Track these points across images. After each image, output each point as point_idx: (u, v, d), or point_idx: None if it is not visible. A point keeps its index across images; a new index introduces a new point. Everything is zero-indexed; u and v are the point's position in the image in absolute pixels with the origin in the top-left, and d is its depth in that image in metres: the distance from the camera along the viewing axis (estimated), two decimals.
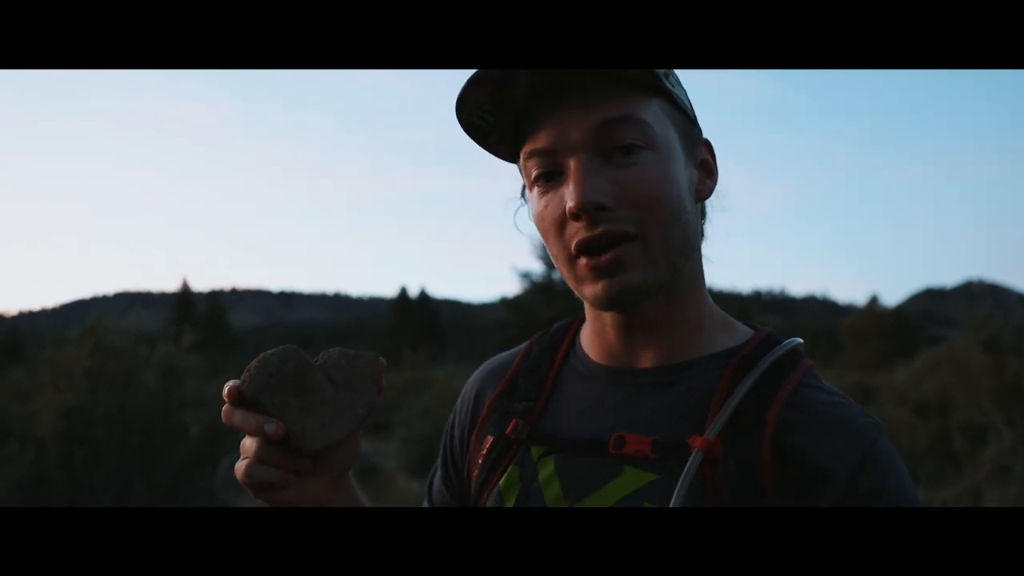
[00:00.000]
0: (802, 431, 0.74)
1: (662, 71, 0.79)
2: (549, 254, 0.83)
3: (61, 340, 7.79)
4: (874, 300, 27.62)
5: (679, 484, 0.73)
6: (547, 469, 0.84)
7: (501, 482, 0.86)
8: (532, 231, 0.90)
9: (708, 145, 0.86)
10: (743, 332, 0.86)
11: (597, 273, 0.77)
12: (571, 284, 0.82)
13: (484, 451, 0.90)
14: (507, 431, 0.88)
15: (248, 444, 0.73)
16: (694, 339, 0.84)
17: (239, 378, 0.73)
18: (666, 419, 0.80)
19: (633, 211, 0.76)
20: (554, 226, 0.79)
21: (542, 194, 0.80)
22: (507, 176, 0.90)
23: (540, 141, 0.78)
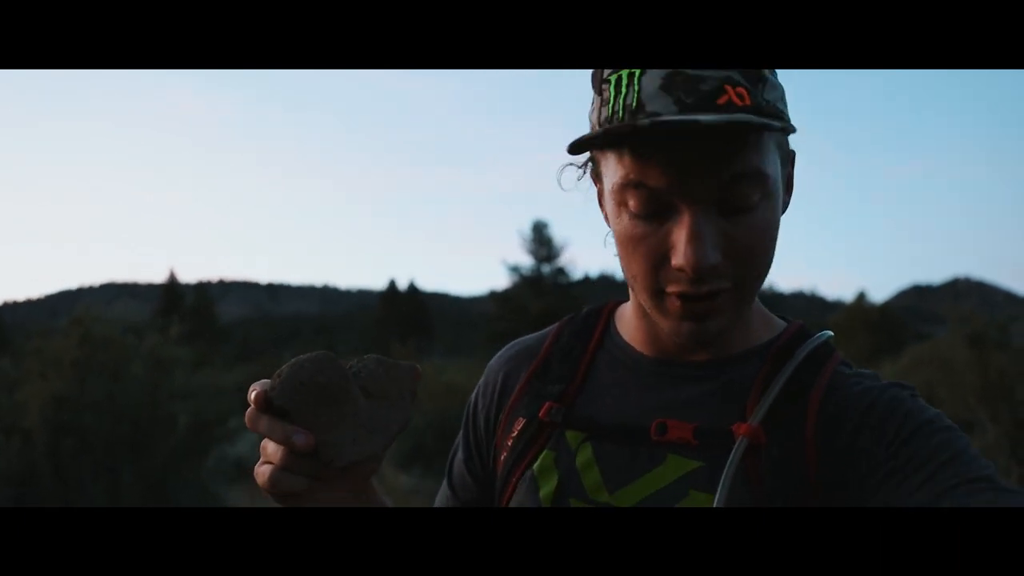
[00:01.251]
0: (843, 413, 0.75)
1: (771, 79, 0.73)
2: (622, 266, 0.79)
3: (49, 330, 7.74)
4: (862, 296, 27.74)
5: (726, 470, 0.74)
6: (585, 454, 0.83)
7: (535, 466, 0.84)
8: (578, 187, 0.85)
9: (793, 158, 0.81)
10: (778, 324, 0.87)
11: (686, 316, 0.75)
12: (646, 307, 0.79)
13: (515, 434, 0.88)
14: (540, 414, 0.86)
15: (272, 450, 0.70)
16: (741, 336, 0.84)
17: (268, 380, 0.69)
18: (707, 407, 0.80)
19: (735, 267, 0.73)
20: (647, 260, 0.74)
21: (638, 222, 0.74)
22: (497, 172, 0.89)
23: (654, 179, 0.70)
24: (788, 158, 0.79)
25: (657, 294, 0.75)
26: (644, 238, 0.74)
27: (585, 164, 0.84)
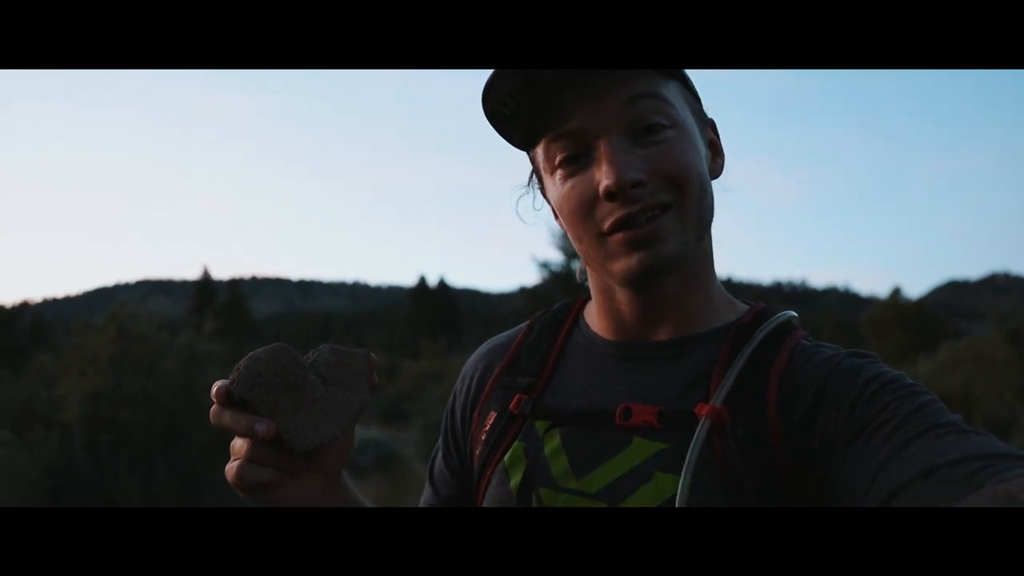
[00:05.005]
0: (802, 385, 0.76)
1: None
2: (570, 236, 0.83)
3: (87, 326, 7.89)
4: (896, 292, 27.37)
5: (690, 451, 0.74)
6: (553, 443, 0.84)
7: (506, 457, 0.86)
8: (538, 220, 0.93)
9: (713, 125, 0.88)
10: (741, 307, 0.88)
11: (632, 245, 0.77)
12: (596, 263, 0.82)
13: (488, 427, 0.90)
14: (511, 406, 0.88)
15: (239, 445, 0.72)
16: (703, 315, 0.85)
17: (228, 378, 0.72)
18: (670, 390, 0.81)
19: (665, 183, 0.77)
20: (581, 207, 0.79)
21: (567, 177, 0.80)
22: (527, 166, 0.91)
23: (568, 123, 0.79)
24: (702, 118, 0.86)
25: (601, 240, 0.79)
26: (575, 187, 0.80)
27: (530, 179, 0.91)
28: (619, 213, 0.77)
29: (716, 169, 0.87)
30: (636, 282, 0.80)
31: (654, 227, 0.77)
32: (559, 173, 0.81)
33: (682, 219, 0.78)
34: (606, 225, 0.78)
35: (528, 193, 0.92)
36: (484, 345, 1.01)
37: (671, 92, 0.80)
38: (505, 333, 1.01)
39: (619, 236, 0.78)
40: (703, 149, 0.83)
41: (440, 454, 1.01)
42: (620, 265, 0.79)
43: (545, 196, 0.89)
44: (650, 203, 0.76)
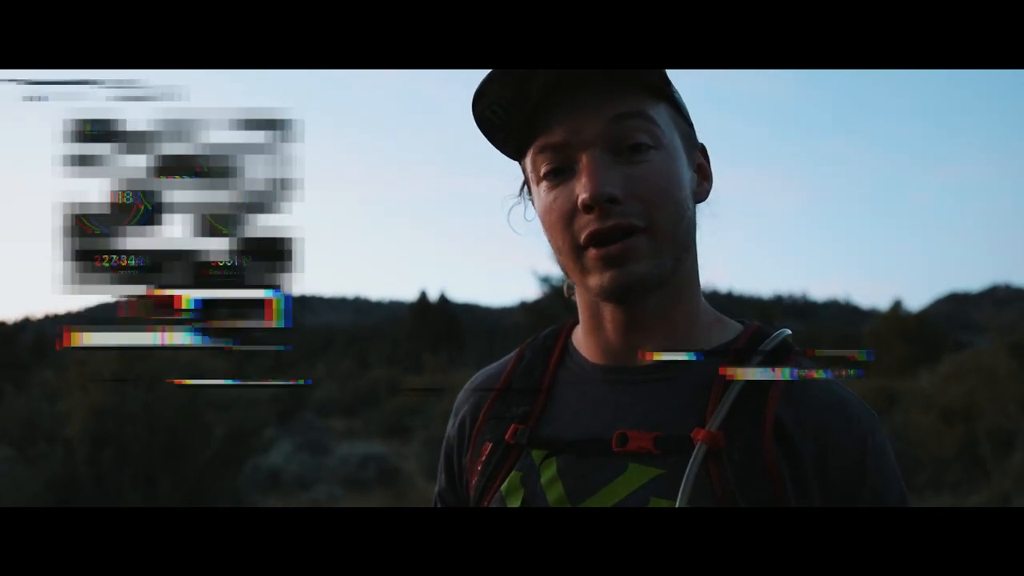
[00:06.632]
0: (802, 416, 0.78)
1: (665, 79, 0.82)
2: (551, 247, 0.85)
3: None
4: (897, 305, 27.24)
5: (685, 476, 0.75)
6: (549, 471, 0.84)
7: (503, 486, 0.86)
8: (528, 229, 0.93)
9: (703, 150, 0.90)
10: (734, 327, 0.89)
11: (605, 263, 0.79)
12: (574, 276, 0.84)
13: (483, 458, 0.90)
14: (506, 436, 0.88)
15: None
16: (690, 335, 0.86)
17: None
18: (666, 414, 0.82)
19: (641, 206, 0.79)
20: (562, 219, 0.81)
21: (551, 188, 0.83)
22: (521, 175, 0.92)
23: (554, 136, 0.81)
24: (692, 142, 0.87)
25: (577, 252, 0.81)
26: (556, 198, 0.82)
27: (522, 188, 0.93)
28: (593, 227, 0.79)
29: (702, 194, 0.88)
30: (611, 297, 0.82)
31: (626, 245, 0.78)
32: (544, 184, 0.83)
33: (655, 241, 0.80)
34: (582, 237, 0.80)
35: (520, 203, 0.94)
36: (472, 379, 1.01)
37: (659, 113, 0.82)
38: (493, 365, 1.01)
39: (592, 252, 0.80)
40: (688, 173, 0.85)
41: (436, 489, 1.01)
42: (594, 280, 0.81)
43: (535, 206, 0.90)
44: (621, 224, 0.78)
